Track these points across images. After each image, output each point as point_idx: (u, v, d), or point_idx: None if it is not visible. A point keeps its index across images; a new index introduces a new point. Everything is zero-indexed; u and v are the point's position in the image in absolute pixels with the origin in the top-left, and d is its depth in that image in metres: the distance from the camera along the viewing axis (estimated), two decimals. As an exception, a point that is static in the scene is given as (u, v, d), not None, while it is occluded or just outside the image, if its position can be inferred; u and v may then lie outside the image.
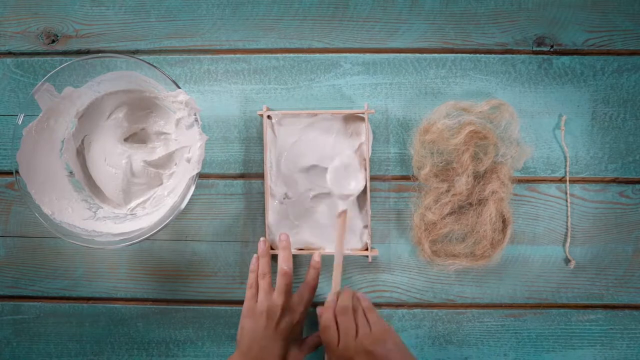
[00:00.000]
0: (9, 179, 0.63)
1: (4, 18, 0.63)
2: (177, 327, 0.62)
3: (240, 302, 0.60)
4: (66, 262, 0.62)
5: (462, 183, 0.56)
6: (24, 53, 0.63)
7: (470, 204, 0.58)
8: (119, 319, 0.62)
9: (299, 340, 0.56)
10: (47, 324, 0.63)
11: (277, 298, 0.54)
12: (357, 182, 0.57)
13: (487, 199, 0.57)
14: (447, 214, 0.58)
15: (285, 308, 0.54)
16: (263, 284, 0.55)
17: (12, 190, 0.62)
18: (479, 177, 0.58)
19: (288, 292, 0.55)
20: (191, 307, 0.62)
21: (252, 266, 0.57)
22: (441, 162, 0.58)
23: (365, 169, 0.58)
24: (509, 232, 0.58)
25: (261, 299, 0.54)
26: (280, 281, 0.55)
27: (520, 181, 0.60)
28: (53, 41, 0.63)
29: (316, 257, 0.58)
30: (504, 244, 0.58)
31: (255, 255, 0.58)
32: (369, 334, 0.49)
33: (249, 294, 0.56)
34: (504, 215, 0.58)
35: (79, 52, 0.63)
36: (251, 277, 0.57)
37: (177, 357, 0.62)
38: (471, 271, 0.60)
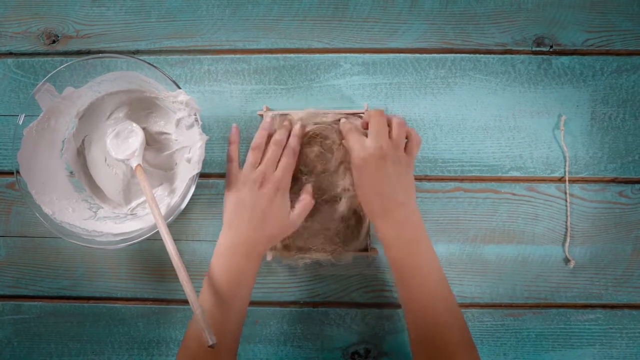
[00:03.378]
0: (10, 179, 0.63)
1: (4, 18, 0.63)
2: (177, 326, 0.62)
3: (241, 302, 0.61)
4: (67, 262, 0.63)
5: (310, 182, 0.56)
6: (25, 53, 0.63)
7: (325, 200, 0.57)
8: (119, 318, 0.62)
9: (285, 208, 0.53)
10: (47, 324, 0.63)
11: (260, 167, 0.52)
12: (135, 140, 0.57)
13: (340, 197, 0.56)
14: None
15: (267, 176, 0.52)
16: (251, 156, 0.53)
17: (12, 190, 0.63)
18: (330, 175, 0.57)
19: (274, 161, 0.53)
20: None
21: (232, 137, 0.55)
22: None
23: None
24: (364, 228, 0.57)
25: (244, 170, 0.53)
26: (269, 150, 0.53)
27: (518, 180, 0.61)
28: (54, 41, 0.63)
29: (297, 126, 0.55)
30: (359, 241, 0.57)
31: (234, 125, 0.56)
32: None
33: (228, 166, 0.54)
34: (357, 213, 0.57)
35: (79, 53, 0.63)
36: (232, 148, 0.54)
37: (177, 357, 0.62)
38: (470, 271, 0.61)
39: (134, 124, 0.57)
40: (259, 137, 0.55)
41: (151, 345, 0.62)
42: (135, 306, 0.62)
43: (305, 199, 0.54)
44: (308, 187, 0.56)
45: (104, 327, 0.63)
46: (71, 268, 0.62)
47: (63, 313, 0.63)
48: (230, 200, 0.53)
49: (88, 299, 0.63)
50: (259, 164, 0.53)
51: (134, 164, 0.56)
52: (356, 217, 0.57)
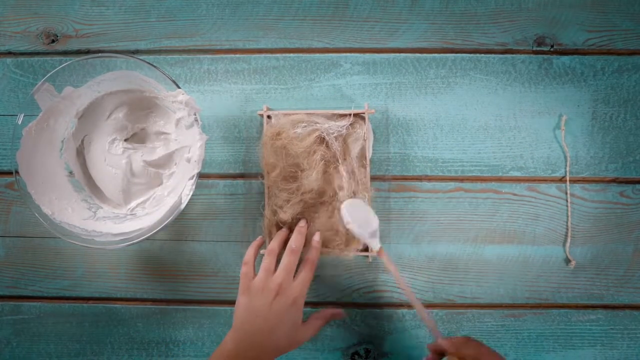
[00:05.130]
0: (9, 179, 0.63)
1: (3, 18, 0.63)
2: (177, 327, 0.62)
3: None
4: (66, 262, 0.62)
5: (312, 180, 0.56)
6: (24, 53, 0.63)
7: (325, 202, 0.57)
8: (118, 319, 0.62)
9: (297, 323, 0.52)
10: (47, 324, 0.63)
11: (277, 276, 0.52)
12: (374, 218, 0.56)
13: (339, 197, 0.57)
14: (299, 213, 0.58)
15: (284, 287, 0.51)
16: (266, 261, 0.53)
17: (12, 190, 0.62)
18: (330, 175, 0.57)
19: (291, 271, 0.52)
20: (191, 307, 0.62)
21: (256, 241, 0.56)
22: (290, 166, 0.57)
23: (365, 173, 0.58)
24: None
25: (260, 276, 0.52)
26: (285, 259, 0.53)
27: (519, 180, 0.60)
28: (53, 41, 0.63)
29: (316, 237, 0.56)
30: (360, 241, 0.57)
31: (260, 237, 0.57)
32: None
33: (244, 270, 0.53)
34: None
35: (78, 52, 0.63)
36: (249, 251, 0.55)
37: (177, 357, 0.62)
38: (471, 271, 0.61)
39: (365, 203, 0.56)
40: (274, 242, 0.55)
41: (150, 346, 0.62)
42: (134, 306, 0.62)
43: (316, 324, 0.55)
44: (323, 313, 0.56)
45: (104, 327, 0.62)
46: (70, 268, 0.62)
47: (62, 313, 0.63)
48: (243, 305, 0.51)
49: (87, 299, 0.63)
50: (274, 270, 0.52)
51: (376, 247, 0.55)
52: None
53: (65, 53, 0.63)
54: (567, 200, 0.60)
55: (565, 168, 0.60)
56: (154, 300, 0.62)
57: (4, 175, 0.63)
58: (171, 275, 0.62)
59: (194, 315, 0.62)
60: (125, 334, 0.62)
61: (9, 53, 0.63)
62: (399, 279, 0.54)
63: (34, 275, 0.63)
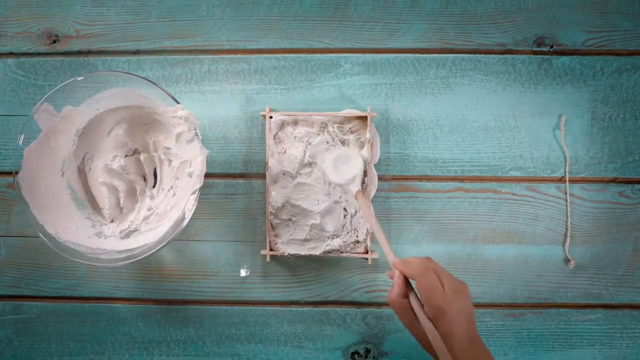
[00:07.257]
0: (10, 179, 0.63)
1: (5, 18, 0.63)
2: (177, 326, 0.62)
3: (240, 302, 0.61)
4: (67, 261, 0.62)
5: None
6: (25, 53, 0.63)
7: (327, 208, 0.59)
8: (119, 318, 0.62)
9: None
10: (48, 324, 0.63)
11: None
12: (355, 165, 0.57)
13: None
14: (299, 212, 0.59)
15: None
16: None
17: (12, 190, 0.63)
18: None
19: None
20: (191, 307, 0.62)
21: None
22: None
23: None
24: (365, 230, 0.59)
25: None
26: None
27: (519, 180, 0.61)
28: (54, 41, 0.63)
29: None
30: (360, 244, 0.59)
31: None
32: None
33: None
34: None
35: (79, 53, 0.63)
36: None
37: (177, 357, 0.62)
38: (470, 271, 0.61)
39: (354, 151, 0.58)
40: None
41: (152, 345, 0.62)
42: (135, 306, 0.62)
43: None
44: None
45: (105, 327, 0.63)
46: (72, 268, 0.62)
47: (64, 313, 0.63)
48: None
49: (88, 299, 0.63)
50: None
51: (354, 190, 0.56)
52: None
53: (66, 53, 0.63)
54: (566, 200, 0.60)
55: (565, 168, 0.61)
56: (155, 300, 0.62)
57: (4, 175, 0.63)
58: (171, 275, 0.62)
59: (194, 315, 0.62)
60: (126, 334, 0.62)
61: (11, 54, 0.63)
62: (369, 217, 0.53)
63: (35, 274, 0.63)
